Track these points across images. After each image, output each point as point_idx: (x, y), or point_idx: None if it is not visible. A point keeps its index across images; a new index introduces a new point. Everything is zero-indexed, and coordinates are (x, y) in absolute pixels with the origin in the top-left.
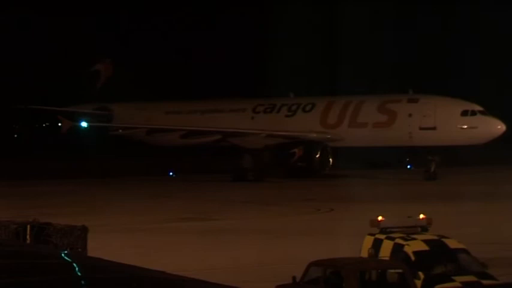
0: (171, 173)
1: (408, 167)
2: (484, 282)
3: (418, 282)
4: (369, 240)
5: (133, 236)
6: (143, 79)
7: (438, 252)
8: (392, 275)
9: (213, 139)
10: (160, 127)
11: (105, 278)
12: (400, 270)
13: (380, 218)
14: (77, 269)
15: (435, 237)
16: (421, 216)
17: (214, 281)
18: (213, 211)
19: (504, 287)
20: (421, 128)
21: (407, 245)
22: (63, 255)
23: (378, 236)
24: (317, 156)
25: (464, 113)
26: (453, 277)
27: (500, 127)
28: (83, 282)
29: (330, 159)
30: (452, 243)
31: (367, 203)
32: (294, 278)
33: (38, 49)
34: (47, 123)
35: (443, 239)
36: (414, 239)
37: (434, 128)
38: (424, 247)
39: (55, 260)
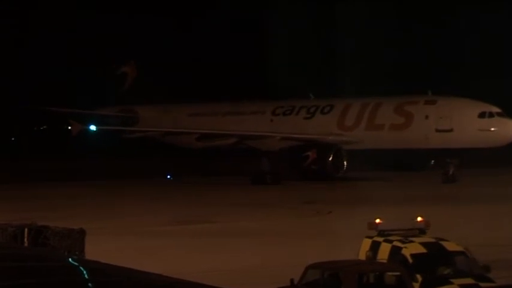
0: (168, 176)
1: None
2: (482, 284)
3: (416, 285)
4: (366, 243)
5: (131, 239)
6: (168, 81)
7: (436, 254)
8: (390, 277)
9: (230, 142)
10: (173, 130)
11: (109, 281)
12: (398, 273)
13: (378, 220)
14: (84, 272)
15: (433, 240)
16: (419, 218)
17: (212, 284)
18: (213, 214)
19: None
20: (437, 130)
21: (405, 247)
22: (70, 259)
23: (375, 238)
24: (330, 159)
25: (482, 115)
26: (451, 279)
27: None
28: (90, 285)
29: (344, 162)
30: (450, 246)
31: (370, 206)
32: (292, 280)
33: (62, 51)
34: (45, 127)
35: (441, 242)
36: (412, 241)
37: (451, 130)
38: (422, 250)
39: (61, 263)
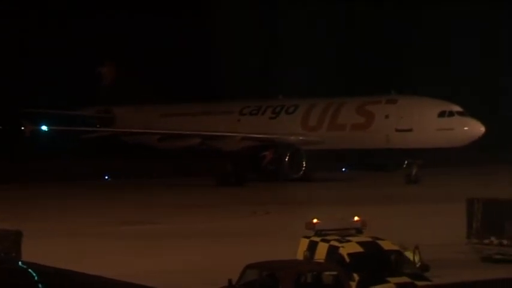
0: (106, 177)
1: (343, 170)
2: (418, 283)
3: (353, 284)
4: (304, 243)
5: (70, 241)
6: (148, 81)
7: (372, 253)
8: (328, 277)
9: (193, 142)
10: (129, 130)
11: (56, 283)
12: (335, 272)
13: (315, 220)
14: (33, 274)
15: (369, 239)
16: (356, 218)
17: (149, 285)
18: (157, 215)
19: None
20: (397, 130)
21: (342, 247)
22: (19, 262)
23: (313, 238)
24: (286, 159)
25: (442, 114)
26: (387, 278)
27: (477, 129)
28: (40, 286)
29: (303, 163)
30: (386, 245)
31: (312, 206)
32: (229, 280)
33: (41, 51)
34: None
35: (378, 241)
36: (349, 241)
37: (410, 130)
38: (358, 249)
39: (11, 265)
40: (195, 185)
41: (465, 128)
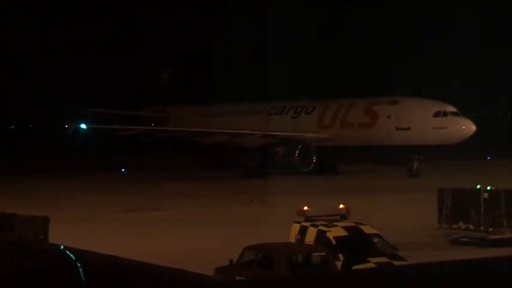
0: (123, 170)
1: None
2: (395, 263)
3: (339, 263)
4: (295, 228)
5: (89, 226)
6: (200, 82)
7: (355, 237)
8: (316, 257)
9: (222, 139)
10: (155, 128)
11: (93, 264)
12: (323, 253)
13: (306, 208)
14: (71, 255)
15: (353, 224)
16: (341, 206)
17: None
18: (162, 203)
19: (412, 267)
20: (397, 129)
21: (329, 231)
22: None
23: (303, 223)
24: (296, 154)
25: (437, 114)
26: (368, 259)
27: (468, 128)
28: (78, 264)
29: (313, 158)
30: (367, 229)
31: (311, 195)
32: (231, 261)
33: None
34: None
35: (360, 226)
36: (335, 226)
37: (409, 129)
38: (343, 233)
39: (49, 247)
40: (216, 177)
41: (457, 127)
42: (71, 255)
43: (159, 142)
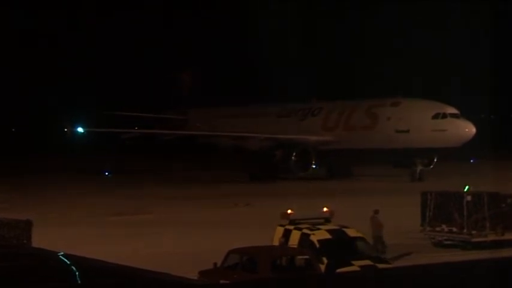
0: (106, 173)
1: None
2: (379, 266)
3: (322, 266)
4: (279, 231)
5: (76, 229)
6: (219, 85)
7: (339, 240)
8: (300, 260)
9: (228, 141)
10: (152, 132)
11: (89, 268)
12: (306, 257)
13: (289, 211)
14: (65, 259)
15: (337, 227)
16: (325, 209)
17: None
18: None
19: (396, 271)
20: (397, 131)
21: (313, 234)
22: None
23: (287, 226)
24: (293, 157)
25: (436, 116)
26: (352, 261)
27: (468, 130)
28: (73, 268)
29: (312, 162)
30: (351, 232)
31: (297, 198)
32: (215, 264)
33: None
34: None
35: (344, 229)
36: (319, 229)
37: (408, 131)
38: (327, 236)
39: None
40: (220, 181)
41: (457, 130)
42: (65, 260)
43: (175, 144)
